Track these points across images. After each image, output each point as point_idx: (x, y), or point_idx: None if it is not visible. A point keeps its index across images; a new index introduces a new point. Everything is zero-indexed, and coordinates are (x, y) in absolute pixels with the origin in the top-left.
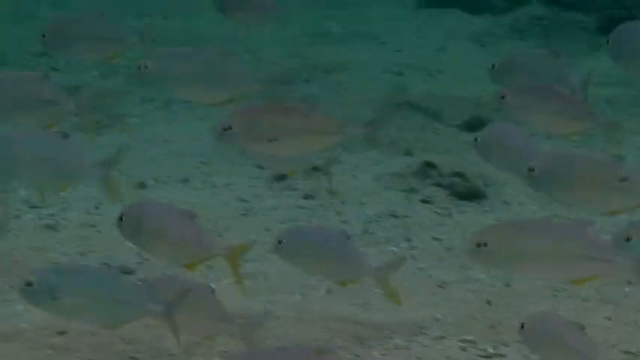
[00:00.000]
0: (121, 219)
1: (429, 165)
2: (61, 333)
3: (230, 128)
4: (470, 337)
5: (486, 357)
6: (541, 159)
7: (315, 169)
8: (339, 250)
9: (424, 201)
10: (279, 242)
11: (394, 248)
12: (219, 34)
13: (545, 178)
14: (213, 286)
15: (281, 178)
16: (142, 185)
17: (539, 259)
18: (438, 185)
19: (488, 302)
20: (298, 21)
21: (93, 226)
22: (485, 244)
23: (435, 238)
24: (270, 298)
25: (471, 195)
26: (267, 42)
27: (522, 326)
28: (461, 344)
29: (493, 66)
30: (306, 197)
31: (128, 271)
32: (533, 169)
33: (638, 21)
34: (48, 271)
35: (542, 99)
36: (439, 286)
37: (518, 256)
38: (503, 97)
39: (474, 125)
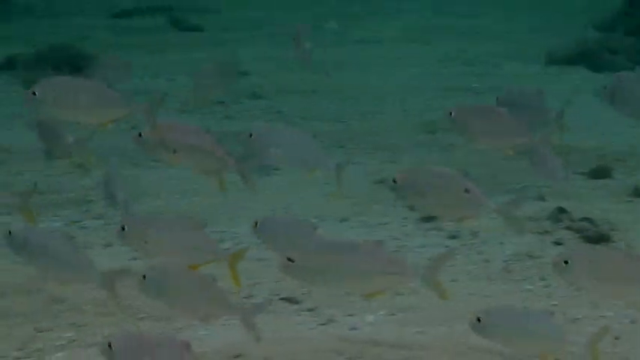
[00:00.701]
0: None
1: (561, 210)
2: (237, 356)
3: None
4: None
5: None
6: (401, 175)
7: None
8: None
9: (557, 243)
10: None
11: (530, 286)
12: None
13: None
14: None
15: (429, 219)
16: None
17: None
18: (569, 229)
19: (617, 338)
20: (441, 76)
21: (262, 260)
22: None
23: None
24: (419, 329)
25: (599, 238)
26: (410, 94)
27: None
28: None
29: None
30: (451, 237)
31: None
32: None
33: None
34: None
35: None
36: (572, 322)
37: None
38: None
39: (599, 173)
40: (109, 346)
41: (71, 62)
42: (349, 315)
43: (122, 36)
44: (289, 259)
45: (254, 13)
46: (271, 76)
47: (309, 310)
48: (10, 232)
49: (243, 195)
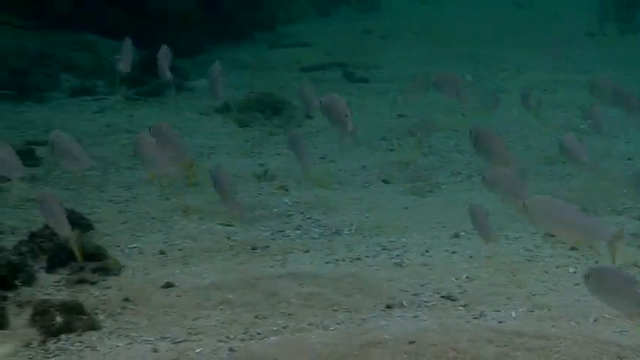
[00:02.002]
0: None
1: None
2: (412, 342)
3: None
4: None
5: None
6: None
7: None
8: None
9: None
10: None
11: None
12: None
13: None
14: None
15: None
16: (457, 235)
17: None
18: None
19: None
20: (559, 118)
21: (426, 265)
22: None
23: None
24: (554, 324)
25: None
26: (533, 132)
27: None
28: None
29: None
30: (572, 249)
31: (454, 298)
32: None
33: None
34: None
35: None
36: None
37: None
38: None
39: None
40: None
41: (272, 106)
42: (496, 311)
43: (314, 85)
44: None
45: (411, 69)
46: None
47: (464, 306)
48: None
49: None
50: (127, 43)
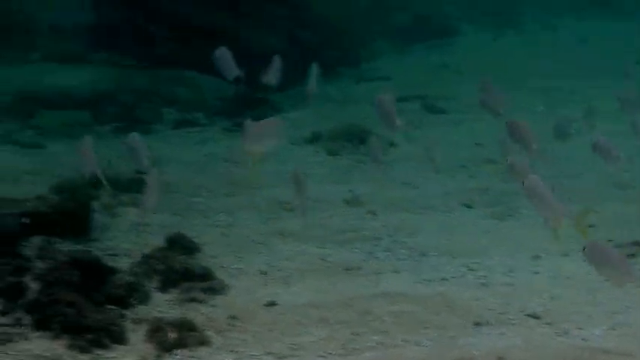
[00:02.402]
0: None
1: None
2: (500, 358)
3: None
4: None
5: None
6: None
7: None
8: None
9: None
10: None
11: None
12: None
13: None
14: None
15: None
16: (538, 257)
17: None
18: None
19: None
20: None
21: (510, 285)
22: None
23: None
24: (635, 340)
25: None
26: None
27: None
28: None
29: None
30: None
31: (538, 317)
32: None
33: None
34: None
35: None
36: None
37: None
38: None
39: None
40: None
41: (359, 136)
42: (579, 328)
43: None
44: None
45: None
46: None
47: (548, 324)
48: None
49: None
50: (277, 61)
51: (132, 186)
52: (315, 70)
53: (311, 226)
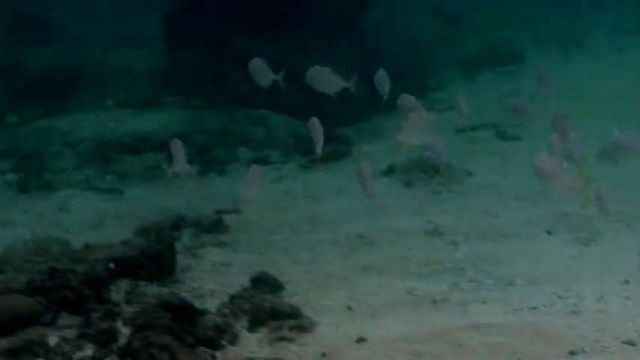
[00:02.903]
0: None
1: None
2: None
3: None
4: None
5: None
6: None
7: None
8: None
9: None
10: None
11: None
12: None
13: None
14: None
15: None
16: (627, 281)
17: None
18: None
19: None
20: None
21: (602, 312)
22: None
23: None
24: None
25: None
26: None
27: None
28: None
29: None
30: None
31: (634, 343)
32: None
33: None
34: None
35: None
36: None
37: None
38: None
39: None
40: None
41: (434, 166)
42: None
43: (468, 144)
44: None
45: None
46: None
47: None
48: None
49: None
50: (461, 96)
51: (213, 227)
52: (461, 97)
53: (393, 259)
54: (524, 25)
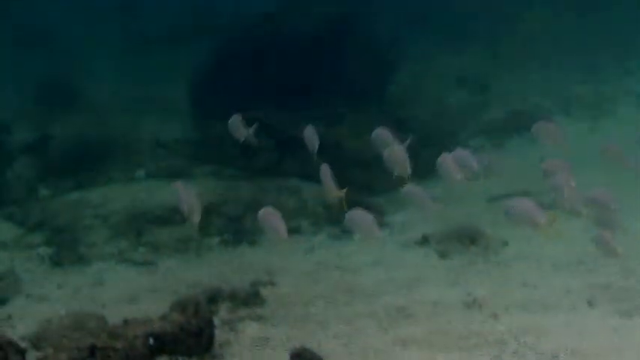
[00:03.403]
0: None
1: None
2: None
3: None
4: None
5: None
6: None
7: None
8: None
9: None
10: None
11: None
12: None
13: None
14: None
15: None
16: None
17: None
18: None
19: None
20: None
21: None
22: None
23: None
24: None
25: None
26: None
27: None
28: None
29: None
30: None
31: None
32: None
33: None
34: None
35: None
36: None
37: None
38: None
39: None
40: None
41: (470, 236)
42: None
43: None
44: None
45: None
46: None
47: None
48: None
49: None
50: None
51: (249, 300)
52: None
53: (433, 332)
54: (550, 91)
